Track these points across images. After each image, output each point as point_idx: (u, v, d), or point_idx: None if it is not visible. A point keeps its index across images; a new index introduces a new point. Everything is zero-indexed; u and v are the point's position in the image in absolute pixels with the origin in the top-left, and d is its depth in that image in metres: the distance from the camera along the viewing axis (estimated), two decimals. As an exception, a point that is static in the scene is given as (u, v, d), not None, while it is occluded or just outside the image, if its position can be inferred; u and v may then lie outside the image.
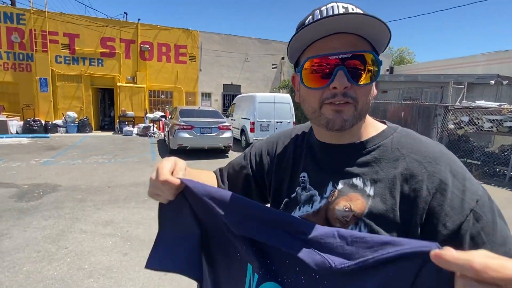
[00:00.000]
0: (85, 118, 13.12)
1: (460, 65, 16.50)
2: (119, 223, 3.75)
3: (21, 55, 12.60)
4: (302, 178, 0.69)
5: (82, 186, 5.26)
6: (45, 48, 12.75)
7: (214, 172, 0.89)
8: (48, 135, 11.55)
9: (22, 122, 11.80)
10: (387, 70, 22.21)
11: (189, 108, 9.60)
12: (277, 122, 9.82)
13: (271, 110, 9.74)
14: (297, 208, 0.67)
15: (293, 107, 10.16)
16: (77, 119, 12.85)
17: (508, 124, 6.75)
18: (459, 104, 8.37)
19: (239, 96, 12.10)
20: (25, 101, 12.72)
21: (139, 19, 14.31)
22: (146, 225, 3.70)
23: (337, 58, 0.55)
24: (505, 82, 9.40)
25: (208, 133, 8.33)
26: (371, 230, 0.56)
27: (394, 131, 0.65)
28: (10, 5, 13.25)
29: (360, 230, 0.57)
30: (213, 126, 8.39)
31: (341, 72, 0.55)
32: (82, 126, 12.80)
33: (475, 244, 0.51)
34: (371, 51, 0.57)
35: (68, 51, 13.17)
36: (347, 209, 0.59)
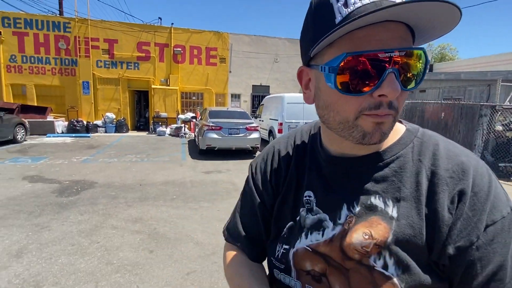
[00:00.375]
0: (122, 118, 13.89)
1: (510, 61, 15.09)
2: (148, 220, 3.87)
3: (66, 61, 13.63)
4: (307, 198, 0.59)
5: (116, 183, 5.53)
6: (88, 54, 13.69)
7: (228, 242, 0.73)
8: (89, 134, 12.38)
9: (66, 123, 12.78)
10: (426, 68, 20.96)
11: (218, 109, 9.74)
12: (306, 123, 9.56)
13: (300, 110, 9.58)
14: (303, 234, 0.57)
15: (323, 108, 9.90)
16: (115, 120, 13.65)
17: None
18: (508, 103, 7.62)
19: (267, 97, 12.06)
20: (70, 103, 13.77)
21: (172, 24, 14.85)
22: (173, 224, 3.78)
23: (389, 57, 0.43)
24: None
25: (236, 134, 8.39)
26: (399, 260, 0.48)
27: (414, 135, 0.55)
28: (58, 15, 14.42)
29: (384, 261, 0.48)
30: (240, 127, 8.44)
31: (392, 75, 0.43)
32: (119, 126, 13.56)
33: (469, 274, 0.46)
34: (422, 48, 0.46)
35: (107, 56, 14.03)
36: (367, 237, 0.50)
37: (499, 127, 7.15)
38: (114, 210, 4.17)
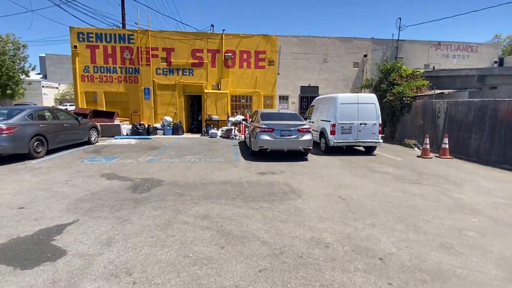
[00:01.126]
0: (178, 122, 14.81)
1: None
2: (214, 217, 4.08)
3: (130, 69, 14.99)
4: None
5: (180, 182, 5.92)
6: (148, 62, 14.88)
7: None
8: (150, 136, 13.44)
9: (130, 126, 14.03)
10: (495, 62, 18.85)
11: (270, 111, 9.85)
12: (360, 124, 9.28)
13: (354, 111, 9.27)
14: None
15: (379, 108, 9.46)
16: (172, 123, 14.61)
17: None
18: None
19: (318, 97, 11.88)
20: (133, 108, 15.12)
21: (223, 30, 15.43)
22: (237, 222, 3.93)
23: None
24: None
25: (288, 136, 8.40)
26: None
27: None
28: (121, 28, 15.92)
29: None
30: (292, 128, 8.43)
31: None
32: (176, 129, 14.49)
33: None
34: None
35: (165, 63, 15.11)
36: None
37: None
38: (182, 207, 4.47)
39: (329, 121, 9.47)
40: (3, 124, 7.36)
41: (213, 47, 15.23)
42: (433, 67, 16.81)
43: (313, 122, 11.04)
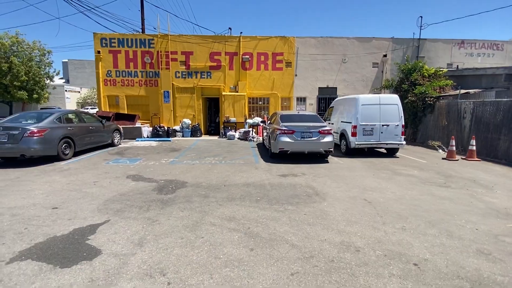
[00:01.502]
0: (197, 124, 15.02)
1: None
2: (240, 219, 4.09)
3: (150, 73, 15.35)
4: None
5: (203, 183, 5.98)
6: (168, 66, 15.19)
7: None
8: (170, 139, 13.69)
9: (151, 128, 14.34)
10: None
11: (289, 113, 9.80)
12: (382, 125, 9.08)
13: (376, 112, 9.08)
14: None
15: (402, 109, 9.23)
16: (190, 125, 14.83)
17: None
18: None
19: (337, 98, 11.73)
20: (153, 110, 15.46)
21: (241, 33, 15.53)
22: (264, 224, 3.92)
23: None
24: None
25: (309, 138, 8.33)
26: None
27: None
28: (140, 32, 16.33)
29: None
30: (313, 130, 8.36)
31: None
32: (194, 131, 14.69)
33: None
34: None
35: (184, 67, 15.37)
36: None
37: None
38: (208, 208, 4.52)
39: (350, 123, 9.33)
40: (34, 127, 7.69)
41: (230, 50, 15.37)
42: (457, 66, 16.23)
43: (332, 124, 10.91)
